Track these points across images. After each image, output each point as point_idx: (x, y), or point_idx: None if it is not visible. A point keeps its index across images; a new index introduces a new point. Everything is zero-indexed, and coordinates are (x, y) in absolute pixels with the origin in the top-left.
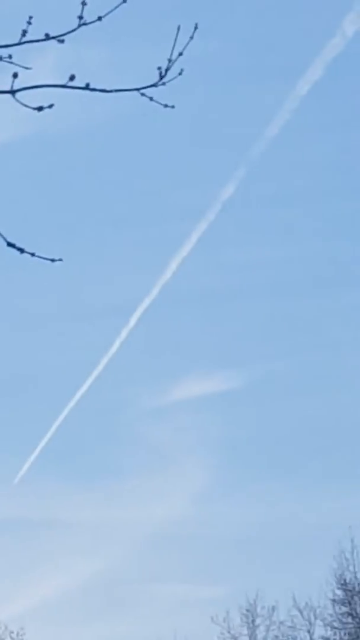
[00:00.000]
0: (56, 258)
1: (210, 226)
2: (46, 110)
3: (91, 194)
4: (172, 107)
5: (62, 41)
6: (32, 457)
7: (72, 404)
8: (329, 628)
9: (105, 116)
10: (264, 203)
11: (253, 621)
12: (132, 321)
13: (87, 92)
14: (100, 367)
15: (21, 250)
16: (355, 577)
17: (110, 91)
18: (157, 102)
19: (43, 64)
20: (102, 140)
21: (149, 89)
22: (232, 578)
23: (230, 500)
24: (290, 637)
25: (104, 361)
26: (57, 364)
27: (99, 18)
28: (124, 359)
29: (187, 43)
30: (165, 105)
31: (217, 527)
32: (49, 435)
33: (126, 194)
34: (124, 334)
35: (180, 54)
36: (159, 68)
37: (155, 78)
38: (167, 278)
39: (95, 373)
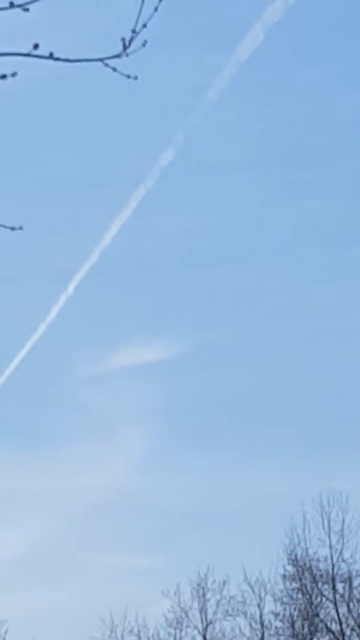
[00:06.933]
0: (16, 227)
1: (149, 193)
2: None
3: (35, 159)
4: (135, 78)
5: (26, 10)
6: None
7: (9, 370)
8: (279, 603)
9: (64, 83)
10: (201, 170)
11: (204, 595)
12: (71, 287)
13: (50, 61)
14: (38, 333)
15: None
16: (306, 554)
17: (74, 61)
18: (120, 72)
19: (7, 33)
20: (53, 107)
21: (112, 60)
22: (177, 549)
23: (171, 470)
24: (240, 611)
25: (42, 328)
26: None
27: None
28: (62, 325)
29: (152, 15)
30: (128, 76)
31: (159, 497)
32: None
33: (68, 159)
34: (62, 300)
35: (144, 26)
36: (123, 39)
37: (119, 49)
38: (106, 244)
39: (33, 339)
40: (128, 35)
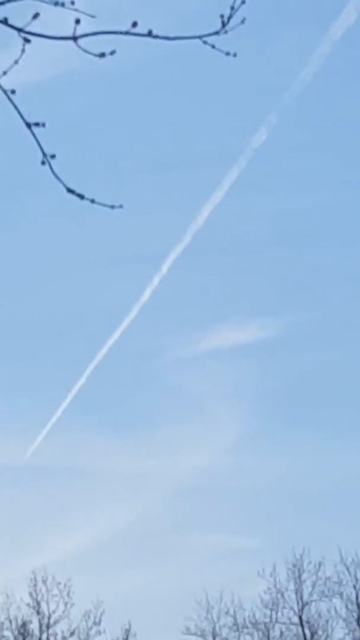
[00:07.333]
0: (116, 205)
1: (242, 174)
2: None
3: (129, 138)
4: (234, 55)
5: None
6: (64, 406)
7: (104, 351)
8: None
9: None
10: (294, 151)
11: (300, 576)
12: (164, 268)
13: (149, 39)
14: (132, 314)
15: (81, 197)
16: None
17: (173, 38)
18: (219, 50)
19: (106, 11)
20: (151, 85)
21: (210, 37)
22: (273, 530)
23: (265, 451)
24: (336, 592)
25: (136, 308)
26: (88, 311)
27: None
28: (156, 306)
29: None
30: (227, 53)
31: (253, 478)
32: (80, 383)
33: (161, 139)
34: (155, 281)
35: (243, 2)
36: (222, 16)
37: (218, 26)
38: (199, 225)
39: (127, 320)
40: (226, 13)
